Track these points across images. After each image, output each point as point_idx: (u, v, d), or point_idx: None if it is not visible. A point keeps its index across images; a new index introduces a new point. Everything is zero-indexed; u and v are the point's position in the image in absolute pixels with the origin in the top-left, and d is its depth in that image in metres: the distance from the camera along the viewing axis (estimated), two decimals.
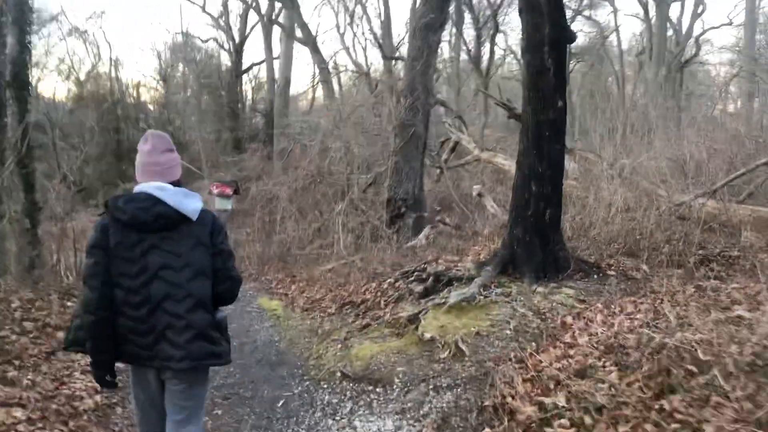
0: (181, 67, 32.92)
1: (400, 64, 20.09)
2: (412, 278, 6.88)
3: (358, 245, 12.02)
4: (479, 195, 10.77)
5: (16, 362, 5.24)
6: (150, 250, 2.84)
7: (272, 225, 14.39)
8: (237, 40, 29.96)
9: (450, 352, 5.02)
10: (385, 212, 12.51)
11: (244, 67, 30.44)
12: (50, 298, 7.62)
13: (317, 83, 26.71)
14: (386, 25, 22.04)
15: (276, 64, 26.25)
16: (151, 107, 33.31)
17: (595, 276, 6.41)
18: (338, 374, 5.38)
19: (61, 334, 6.11)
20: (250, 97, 32.40)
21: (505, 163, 13.65)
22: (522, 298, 5.76)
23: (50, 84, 50.49)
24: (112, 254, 2.82)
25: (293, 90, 28.43)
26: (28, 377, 4.95)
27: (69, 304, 7.48)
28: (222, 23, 30.77)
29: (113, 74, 30.42)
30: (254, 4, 28.21)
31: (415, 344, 5.40)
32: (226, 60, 30.88)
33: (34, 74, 35.25)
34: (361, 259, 11.10)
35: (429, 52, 12.11)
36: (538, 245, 6.42)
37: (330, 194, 13.85)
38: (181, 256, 2.85)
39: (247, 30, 30.12)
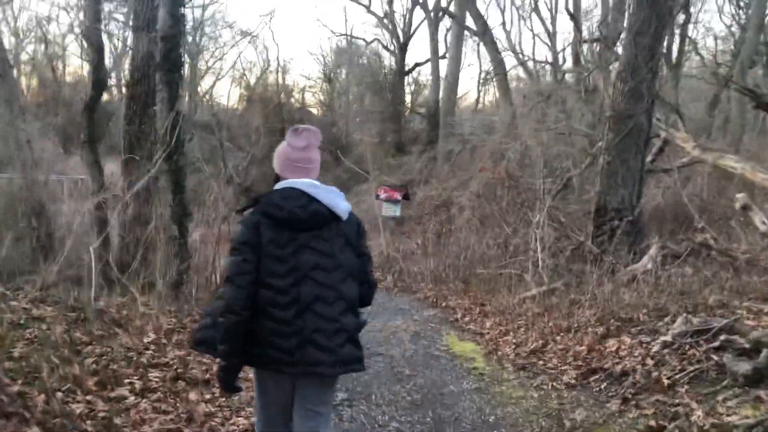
0: (344, 69, 32.20)
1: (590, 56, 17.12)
2: (716, 344, 4.13)
3: (556, 266, 9.35)
4: (744, 207, 7.70)
5: None
6: (301, 249, 2.65)
7: (447, 235, 12.04)
8: (401, 39, 28.62)
9: None
10: (590, 225, 9.77)
11: (408, 67, 29.14)
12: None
13: (491, 78, 24.19)
14: (576, 5, 19.04)
15: (441, 64, 24.63)
16: (315, 110, 32.59)
17: None
18: None
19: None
20: (412, 98, 30.80)
21: (737, 166, 10.38)
22: None
23: (224, 89, 51.99)
24: (263, 252, 2.61)
25: (457, 90, 26.39)
26: None
27: None
28: (386, 23, 29.71)
29: (280, 77, 29.89)
30: (421, 0, 26.31)
31: None
32: (389, 61, 29.59)
33: (208, 79, 35.88)
34: (564, 285, 8.51)
35: (659, 23, 9.19)
36: None
37: (518, 202, 11.23)
38: (333, 257, 2.68)
39: (412, 29, 28.93)
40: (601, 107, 12.29)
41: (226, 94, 54.04)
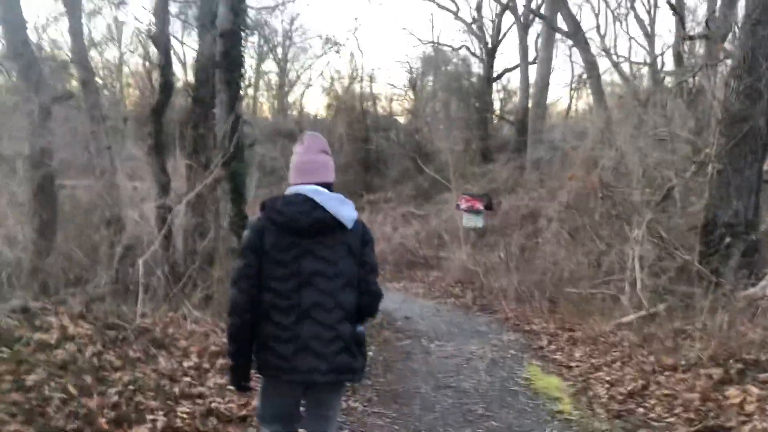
0: (431, 76, 31.50)
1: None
2: None
3: (657, 288, 8.21)
4: None
5: None
6: (303, 254, 2.67)
7: (533, 250, 11.02)
8: (490, 45, 27.66)
9: None
10: (698, 242, 8.55)
11: (496, 73, 28.07)
12: None
13: (584, 82, 22.83)
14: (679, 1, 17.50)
15: (531, 69, 23.51)
16: (401, 118, 32.03)
17: None
18: None
19: None
20: (500, 105, 29.75)
21: None
22: None
23: (314, 99, 52.38)
24: (266, 257, 2.67)
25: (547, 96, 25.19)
26: None
27: None
28: (474, 29, 28.83)
29: (365, 86, 29.51)
30: (510, 4, 25.25)
31: None
32: (477, 67, 28.65)
33: (297, 90, 36.04)
34: (667, 310, 7.45)
35: None
36: None
37: (613, 214, 10.08)
38: (335, 264, 2.68)
39: (501, 34, 27.94)
40: (710, 110, 10.98)
41: (315, 104, 54.60)
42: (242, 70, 7.33)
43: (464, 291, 11.67)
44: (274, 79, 35.30)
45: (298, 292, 2.65)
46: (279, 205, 2.69)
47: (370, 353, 7.02)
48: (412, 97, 31.42)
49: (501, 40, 27.83)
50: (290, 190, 2.76)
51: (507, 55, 47.52)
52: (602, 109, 18.69)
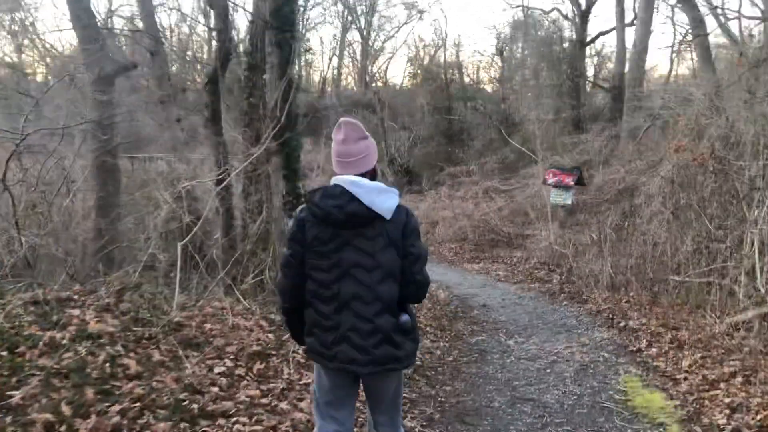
0: (519, 42, 29.81)
1: None
2: None
3: None
4: None
5: None
6: (344, 246, 2.67)
7: (630, 230, 9.74)
8: (583, 7, 25.74)
9: None
10: None
11: (590, 38, 26.12)
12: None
13: (688, 43, 20.72)
14: None
15: (628, 32, 21.62)
16: (487, 87, 30.53)
17: None
18: None
19: None
20: (594, 71, 27.80)
21: None
22: None
23: (398, 69, 51.25)
24: (308, 248, 2.71)
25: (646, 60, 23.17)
26: None
27: None
28: None
29: (450, 54, 28.20)
30: None
31: None
32: (569, 31, 26.78)
33: (381, 60, 35.04)
34: None
35: None
36: None
37: (726, 191, 8.68)
38: (373, 256, 2.66)
39: None
40: None
41: (400, 74, 53.38)
42: (295, 30, 6.49)
43: (550, 275, 10.55)
44: (358, 49, 34.55)
45: (338, 282, 2.67)
46: (317, 198, 2.68)
47: (438, 351, 6.15)
48: (500, 64, 29.97)
49: (595, 1, 25.98)
50: (332, 181, 2.73)
51: (601, 18, 44.21)
52: (710, 72, 16.86)
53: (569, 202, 12.14)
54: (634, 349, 6.14)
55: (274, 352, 4.91)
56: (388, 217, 2.63)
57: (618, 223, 10.44)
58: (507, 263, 12.13)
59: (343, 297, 2.65)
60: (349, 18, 33.23)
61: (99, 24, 9.86)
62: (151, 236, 5.71)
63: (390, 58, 31.58)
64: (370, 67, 31.92)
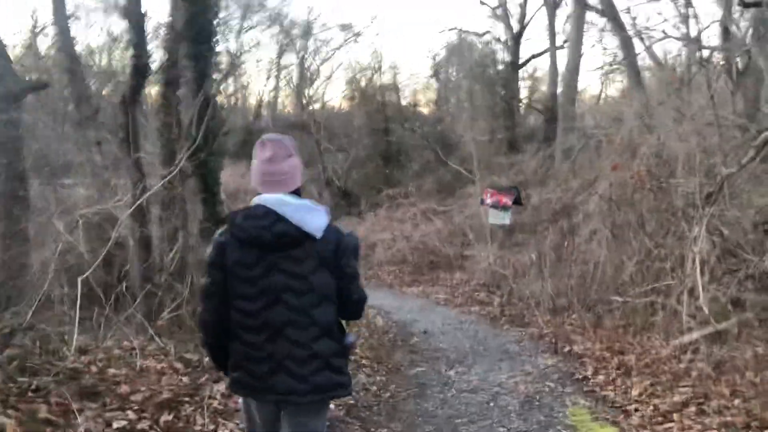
0: (455, 64, 29.99)
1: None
2: None
3: (723, 298, 6.74)
4: None
5: None
6: (271, 270, 2.45)
7: (570, 250, 9.52)
8: (515, 30, 26.12)
9: None
10: None
11: (523, 59, 26.54)
12: None
13: (617, 65, 21.09)
14: None
15: (559, 55, 21.97)
16: (424, 109, 30.51)
17: None
18: None
19: None
20: (528, 93, 28.20)
21: None
22: None
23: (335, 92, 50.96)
24: (230, 274, 2.47)
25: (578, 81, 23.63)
26: None
27: None
28: (499, 13, 27.28)
29: (387, 76, 28.06)
30: None
31: None
32: (502, 54, 27.10)
33: (318, 84, 34.69)
34: (739, 325, 6.10)
35: None
36: None
37: (664, 209, 8.56)
38: (305, 278, 2.45)
39: (527, 19, 26.38)
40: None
41: (337, 97, 53.11)
42: (213, 42, 5.97)
43: (491, 297, 10.24)
44: (294, 72, 34.06)
45: (267, 310, 2.46)
46: (239, 219, 2.49)
47: (374, 387, 5.66)
48: (436, 86, 30.04)
49: (527, 24, 26.35)
50: (254, 201, 2.54)
51: (533, 40, 45.03)
52: (640, 93, 17.12)
53: (507, 222, 11.90)
54: (580, 377, 5.79)
55: (187, 399, 4.31)
56: (318, 236, 2.45)
57: (557, 243, 10.22)
58: (447, 285, 11.78)
59: (274, 325, 2.45)
60: (285, 41, 32.78)
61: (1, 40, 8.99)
62: (49, 271, 5.02)
63: (327, 80, 31.01)
64: (306, 90, 31.41)
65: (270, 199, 2.49)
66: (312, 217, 2.48)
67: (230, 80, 34.45)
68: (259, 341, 2.46)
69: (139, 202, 5.19)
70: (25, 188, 8.85)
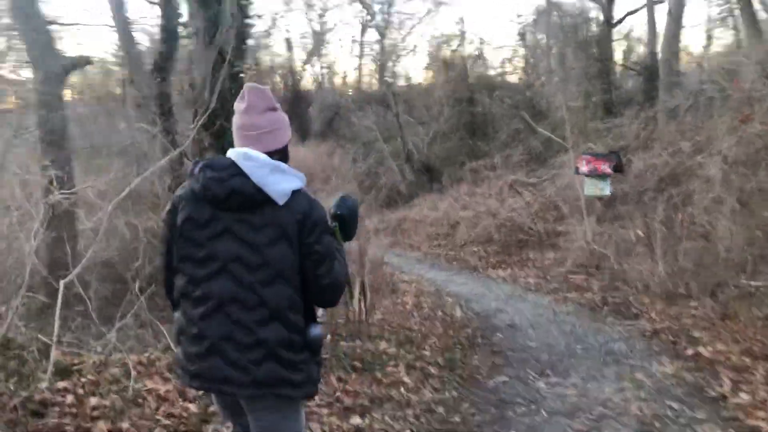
0: (544, 28, 27.97)
1: None
2: None
3: None
4: None
5: None
6: (222, 233, 2.09)
7: (685, 223, 7.89)
8: None
9: None
10: None
11: (618, 17, 24.26)
12: None
13: (729, 12, 18.62)
14: None
15: (658, 9, 19.68)
16: (512, 77, 28.67)
17: None
18: None
19: None
20: (624, 54, 25.85)
21: None
22: None
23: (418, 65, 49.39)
24: (180, 232, 2.13)
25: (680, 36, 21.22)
26: None
27: None
28: None
29: (474, 44, 26.44)
30: None
31: None
32: (596, 12, 24.90)
33: (400, 59, 33.31)
34: None
35: None
36: None
37: None
38: (259, 250, 2.07)
39: None
40: None
41: (420, 70, 51.51)
42: None
43: (589, 280, 8.74)
44: (376, 48, 32.98)
45: (211, 279, 2.09)
46: (197, 169, 2.13)
47: (440, 407, 4.45)
48: (524, 52, 28.15)
49: None
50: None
51: None
52: (758, 40, 14.89)
53: (607, 192, 10.28)
54: (715, 394, 4.35)
55: None
56: (280, 202, 2.09)
57: (668, 215, 8.57)
58: (538, 267, 10.33)
59: (215, 299, 2.09)
60: (368, 17, 31.70)
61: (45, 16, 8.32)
62: (26, 272, 4.11)
63: (409, 52, 29.76)
64: (389, 64, 30.23)
65: (237, 152, 2.14)
66: (276, 178, 2.09)
67: (315, 59, 34.08)
68: (196, 315, 2.11)
69: (132, 185, 4.18)
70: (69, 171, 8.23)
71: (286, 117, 2.28)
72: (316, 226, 2.11)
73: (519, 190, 13.89)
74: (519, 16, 33.05)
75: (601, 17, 23.97)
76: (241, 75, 4.60)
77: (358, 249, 6.94)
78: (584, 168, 10.17)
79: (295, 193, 2.11)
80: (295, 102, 29.08)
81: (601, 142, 15.34)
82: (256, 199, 2.06)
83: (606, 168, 10.01)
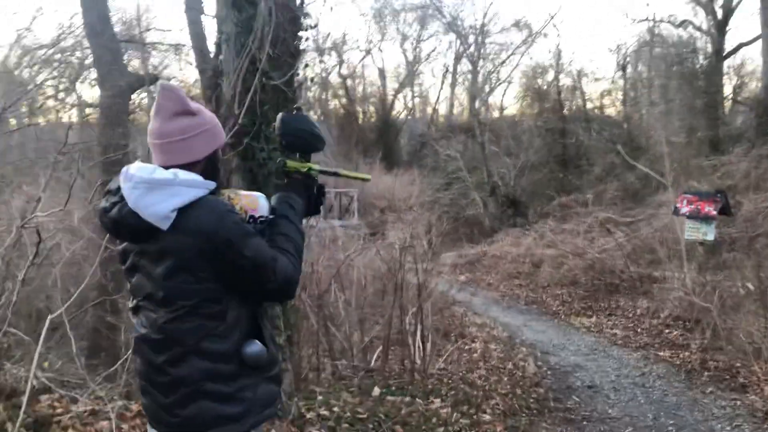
0: (645, 58, 26.49)
1: None
2: None
3: None
4: None
5: None
6: (133, 268, 1.84)
7: None
8: (720, 16, 22.24)
9: None
10: None
11: (729, 48, 22.54)
12: None
13: None
14: None
15: None
16: (609, 110, 27.31)
17: None
18: None
19: None
20: (733, 88, 24.05)
21: None
22: None
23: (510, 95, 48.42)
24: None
25: None
26: None
27: None
28: None
29: (567, 75, 25.35)
30: None
31: None
32: (703, 43, 23.30)
33: (493, 90, 32.49)
34: None
35: None
36: None
37: None
38: (159, 285, 1.75)
39: (734, 2, 22.36)
40: None
41: (512, 101, 50.47)
42: None
43: (687, 337, 7.62)
44: (469, 78, 32.39)
45: (134, 318, 1.88)
46: (105, 195, 1.88)
47: None
48: (621, 83, 26.78)
49: (735, 9, 22.40)
50: None
51: (739, 29, 38.68)
52: None
53: (711, 237, 9.04)
54: None
55: None
56: (163, 227, 1.67)
57: None
58: (628, 317, 9.20)
59: (136, 338, 1.85)
60: (461, 48, 31.21)
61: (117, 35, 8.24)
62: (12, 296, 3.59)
63: (502, 83, 28.86)
64: (482, 96, 29.57)
65: (124, 169, 1.77)
66: (153, 198, 1.66)
67: (407, 88, 33.92)
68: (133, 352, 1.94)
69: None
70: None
71: (211, 120, 1.84)
72: (230, 238, 1.69)
73: (611, 229, 12.71)
74: (619, 47, 31.43)
75: (710, 48, 22.51)
76: (284, 90, 4.04)
77: (416, 288, 6.25)
78: (685, 209, 9.01)
79: (189, 208, 1.67)
80: (385, 131, 28.91)
81: (705, 181, 13.96)
82: (141, 227, 1.69)
83: (710, 209, 8.81)
